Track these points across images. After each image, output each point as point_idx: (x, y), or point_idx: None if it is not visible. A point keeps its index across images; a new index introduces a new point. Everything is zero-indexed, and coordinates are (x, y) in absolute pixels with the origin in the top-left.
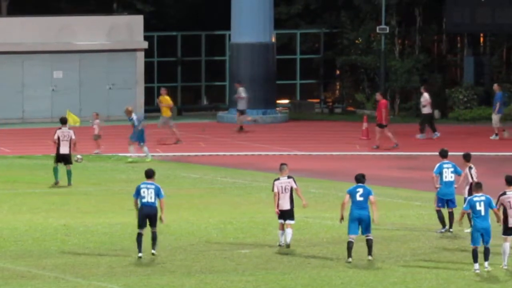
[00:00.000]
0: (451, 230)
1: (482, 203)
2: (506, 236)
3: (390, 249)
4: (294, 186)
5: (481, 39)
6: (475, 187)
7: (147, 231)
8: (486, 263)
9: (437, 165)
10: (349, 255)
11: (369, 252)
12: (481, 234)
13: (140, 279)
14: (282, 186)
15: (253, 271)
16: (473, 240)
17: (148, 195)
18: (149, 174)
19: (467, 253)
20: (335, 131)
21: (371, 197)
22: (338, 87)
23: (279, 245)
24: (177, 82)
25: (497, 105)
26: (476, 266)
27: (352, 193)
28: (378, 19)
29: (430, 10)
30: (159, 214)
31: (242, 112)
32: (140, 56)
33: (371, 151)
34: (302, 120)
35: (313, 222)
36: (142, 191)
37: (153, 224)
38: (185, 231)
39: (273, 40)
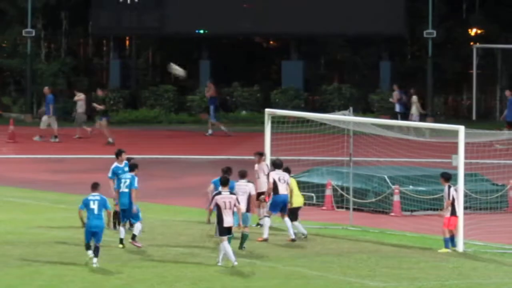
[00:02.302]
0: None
1: (96, 202)
2: (222, 237)
3: (37, 252)
4: None
5: (127, 42)
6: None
7: None
8: (95, 259)
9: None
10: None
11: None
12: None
13: None
14: None
15: None
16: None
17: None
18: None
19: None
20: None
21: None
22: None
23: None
24: None
25: (49, 107)
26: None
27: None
28: (25, 23)
29: (76, 14)
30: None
31: None
32: None
33: (20, 153)
34: None
35: None
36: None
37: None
38: None
39: None
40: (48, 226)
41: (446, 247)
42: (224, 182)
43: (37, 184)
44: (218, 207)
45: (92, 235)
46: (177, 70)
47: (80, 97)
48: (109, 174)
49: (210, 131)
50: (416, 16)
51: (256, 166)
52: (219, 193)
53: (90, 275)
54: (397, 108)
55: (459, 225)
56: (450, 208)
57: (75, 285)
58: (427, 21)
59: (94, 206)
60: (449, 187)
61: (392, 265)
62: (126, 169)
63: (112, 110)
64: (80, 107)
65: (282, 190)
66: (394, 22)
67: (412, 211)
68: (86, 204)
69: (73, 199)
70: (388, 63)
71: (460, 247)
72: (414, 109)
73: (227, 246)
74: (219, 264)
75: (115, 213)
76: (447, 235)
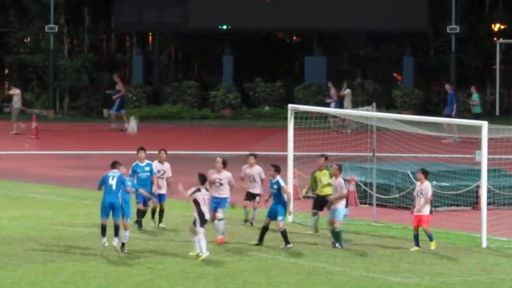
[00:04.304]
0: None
1: (115, 178)
2: (202, 228)
3: (60, 248)
4: None
5: (150, 38)
6: None
7: None
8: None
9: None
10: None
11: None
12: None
13: None
14: None
15: None
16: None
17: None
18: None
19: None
20: (4, 130)
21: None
22: (7, 86)
23: None
24: None
25: None
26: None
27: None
28: (47, 18)
29: (98, 9)
30: None
31: None
32: None
33: (43, 149)
34: None
35: None
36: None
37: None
38: None
39: None
40: (71, 222)
41: (432, 240)
42: (203, 180)
43: (60, 180)
44: (197, 202)
45: (110, 210)
46: (133, 127)
47: (15, 92)
48: (130, 172)
49: (126, 125)
50: (439, 12)
51: (249, 169)
52: (199, 190)
53: (113, 271)
54: (333, 106)
55: (482, 220)
56: (429, 205)
57: (98, 282)
58: (450, 17)
59: (112, 182)
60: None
61: (414, 260)
62: (147, 168)
63: (135, 106)
64: (16, 103)
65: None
66: (417, 17)
67: (435, 206)
68: (105, 179)
69: (96, 195)
70: (411, 58)
71: (483, 242)
72: (347, 102)
73: (203, 238)
74: (207, 254)
75: (138, 211)
76: (429, 232)
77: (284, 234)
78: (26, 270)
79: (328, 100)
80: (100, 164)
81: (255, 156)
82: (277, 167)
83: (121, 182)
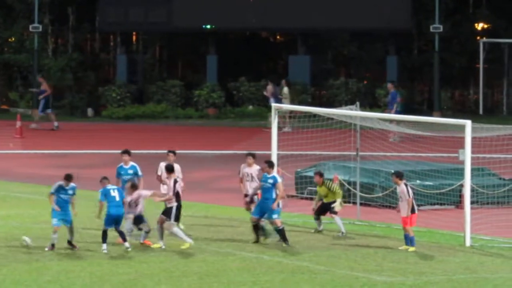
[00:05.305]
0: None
1: (116, 190)
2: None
3: (44, 247)
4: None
5: (134, 38)
6: None
7: None
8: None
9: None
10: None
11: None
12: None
13: None
14: None
15: None
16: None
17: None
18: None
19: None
20: None
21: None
22: None
23: None
24: None
25: None
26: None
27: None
28: (31, 18)
29: (83, 9)
30: None
31: None
32: None
33: (27, 149)
34: None
35: None
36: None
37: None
38: None
39: None
40: None
41: (413, 245)
42: (171, 169)
43: (44, 179)
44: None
45: (114, 222)
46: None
47: None
48: (116, 174)
49: (56, 124)
50: (423, 11)
51: (247, 168)
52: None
53: (98, 270)
54: (272, 102)
55: (466, 219)
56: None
57: (83, 281)
58: (434, 16)
59: (114, 193)
60: (406, 185)
61: (398, 259)
62: (131, 171)
63: (119, 105)
64: None
65: None
66: (400, 16)
67: (419, 205)
68: (106, 193)
69: (80, 194)
70: (395, 57)
71: (467, 241)
72: (286, 101)
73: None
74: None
75: None
76: (412, 234)
77: (282, 232)
78: (11, 269)
79: (265, 93)
80: (84, 163)
81: (253, 156)
82: (271, 162)
83: (122, 192)
